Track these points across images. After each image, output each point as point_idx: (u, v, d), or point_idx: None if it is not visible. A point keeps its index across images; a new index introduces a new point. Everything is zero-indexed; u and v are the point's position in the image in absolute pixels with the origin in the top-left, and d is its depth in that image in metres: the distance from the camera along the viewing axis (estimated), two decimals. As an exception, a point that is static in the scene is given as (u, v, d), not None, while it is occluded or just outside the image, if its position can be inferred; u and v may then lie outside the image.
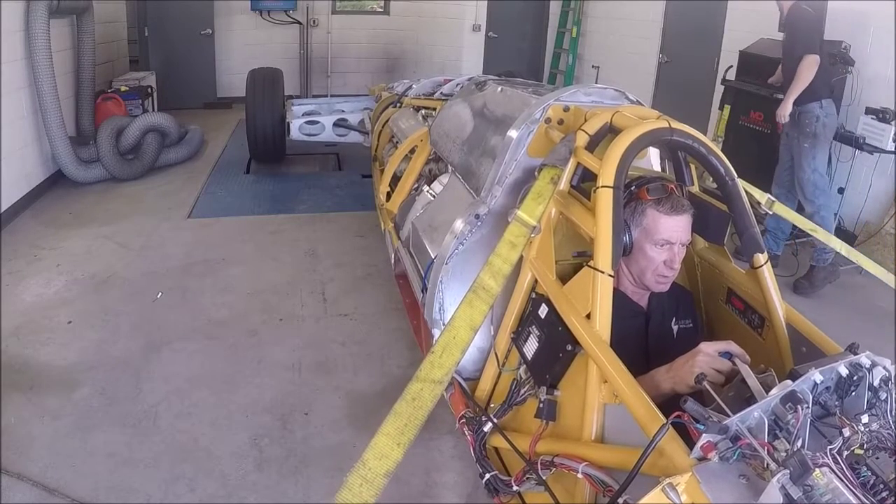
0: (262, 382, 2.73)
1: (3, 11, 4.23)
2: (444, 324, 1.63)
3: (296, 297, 3.47)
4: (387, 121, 4.37)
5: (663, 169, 2.21)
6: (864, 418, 1.08)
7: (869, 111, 4.08)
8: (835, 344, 1.47)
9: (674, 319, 1.77)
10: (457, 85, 4.38)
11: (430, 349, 1.50)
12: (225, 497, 2.13)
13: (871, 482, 1.01)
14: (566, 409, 1.53)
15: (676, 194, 1.65)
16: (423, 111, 4.03)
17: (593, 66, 8.15)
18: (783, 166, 4.06)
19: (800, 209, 3.80)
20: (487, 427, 1.72)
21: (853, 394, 1.12)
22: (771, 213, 2.18)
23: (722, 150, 1.75)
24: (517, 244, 1.68)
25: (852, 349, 1.18)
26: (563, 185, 1.75)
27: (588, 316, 1.48)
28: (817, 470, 0.92)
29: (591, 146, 1.75)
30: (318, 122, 5.62)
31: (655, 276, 1.66)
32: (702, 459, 1.02)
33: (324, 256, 4.02)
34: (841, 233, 4.34)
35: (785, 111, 3.76)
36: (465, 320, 1.53)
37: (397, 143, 3.87)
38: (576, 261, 1.86)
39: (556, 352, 1.56)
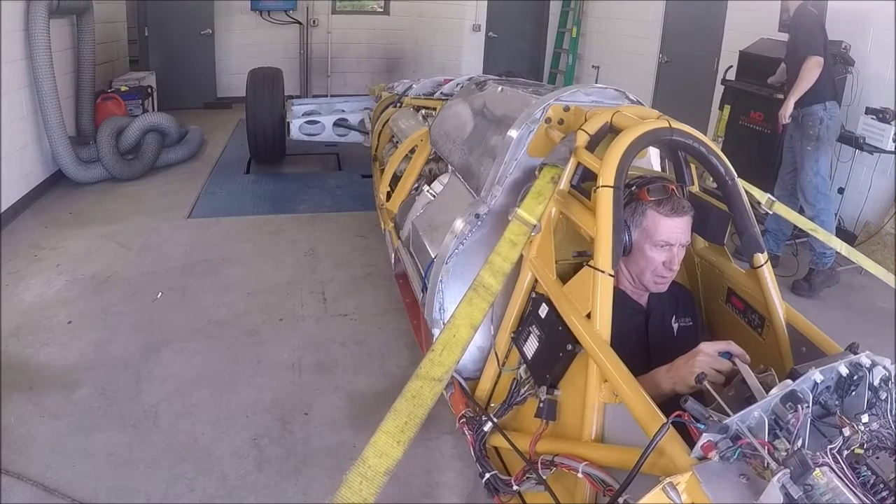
0: (262, 382, 2.73)
1: (3, 11, 4.23)
2: (444, 323, 1.62)
3: (296, 297, 3.47)
4: (387, 121, 4.37)
5: (663, 169, 2.21)
6: (865, 418, 1.08)
7: (869, 111, 4.07)
8: (835, 344, 1.47)
9: (673, 317, 1.77)
10: (457, 85, 4.38)
11: (430, 348, 1.50)
12: (225, 497, 2.13)
13: (871, 482, 1.01)
14: (566, 408, 1.53)
15: (677, 195, 1.65)
16: (423, 111, 4.03)
17: (593, 66, 8.16)
18: (786, 168, 4.04)
19: (800, 212, 3.79)
20: (487, 427, 1.72)
21: (853, 393, 1.13)
22: (771, 212, 2.18)
23: (722, 150, 1.75)
24: (517, 243, 1.68)
25: (852, 349, 1.18)
26: (564, 184, 1.75)
27: (588, 315, 1.48)
28: (817, 469, 0.92)
29: (592, 146, 1.76)
30: (318, 122, 5.63)
31: (654, 276, 1.67)
32: (702, 459, 1.03)
33: (324, 256, 4.02)
34: (841, 233, 4.33)
35: (786, 112, 3.75)
36: (466, 318, 1.53)
37: (397, 143, 3.87)
38: (576, 261, 1.86)
39: (556, 351, 1.56)
